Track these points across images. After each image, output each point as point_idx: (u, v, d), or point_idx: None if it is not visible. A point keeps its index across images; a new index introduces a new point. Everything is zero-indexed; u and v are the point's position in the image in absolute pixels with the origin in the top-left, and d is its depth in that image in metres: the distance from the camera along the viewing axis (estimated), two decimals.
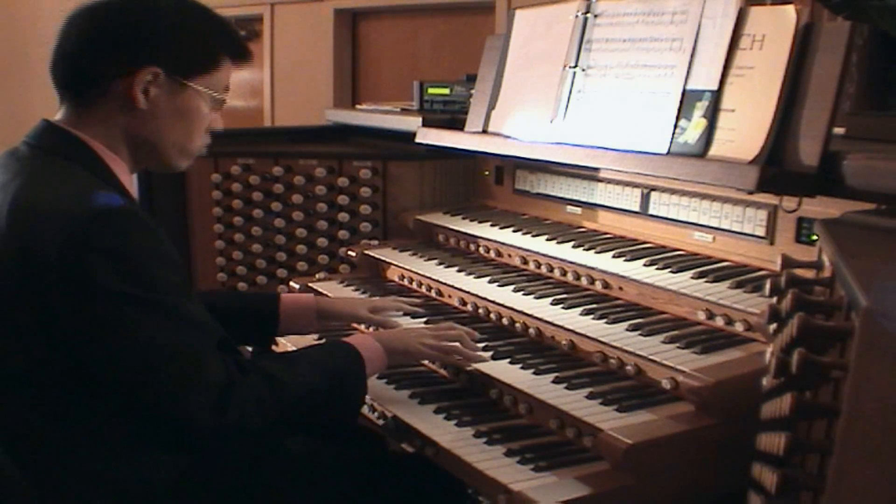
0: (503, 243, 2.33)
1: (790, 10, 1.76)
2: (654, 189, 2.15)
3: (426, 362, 2.01)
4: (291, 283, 2.61)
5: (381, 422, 1.86)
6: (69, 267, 1.46)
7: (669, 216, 2.12)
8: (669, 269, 1.93)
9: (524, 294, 2.07)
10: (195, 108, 1.68)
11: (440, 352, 1.88)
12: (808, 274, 1.29)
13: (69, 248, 1.46)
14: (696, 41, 1.92)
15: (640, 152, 1.95)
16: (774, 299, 1.26)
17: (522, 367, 1.82)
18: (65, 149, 1.62)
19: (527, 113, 2.32)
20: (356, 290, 2.43)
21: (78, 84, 1.64)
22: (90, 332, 1.50)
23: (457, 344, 1.89)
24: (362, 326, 2.18)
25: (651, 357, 1.69)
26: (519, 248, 2.27)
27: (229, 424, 1.57)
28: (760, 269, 1.87)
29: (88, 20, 1.63)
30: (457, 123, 2.59)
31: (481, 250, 2.43)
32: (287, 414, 1.68)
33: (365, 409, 1.91)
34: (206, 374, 1.54)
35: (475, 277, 2.23)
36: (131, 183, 1.70)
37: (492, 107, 2.43)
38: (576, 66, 2.20)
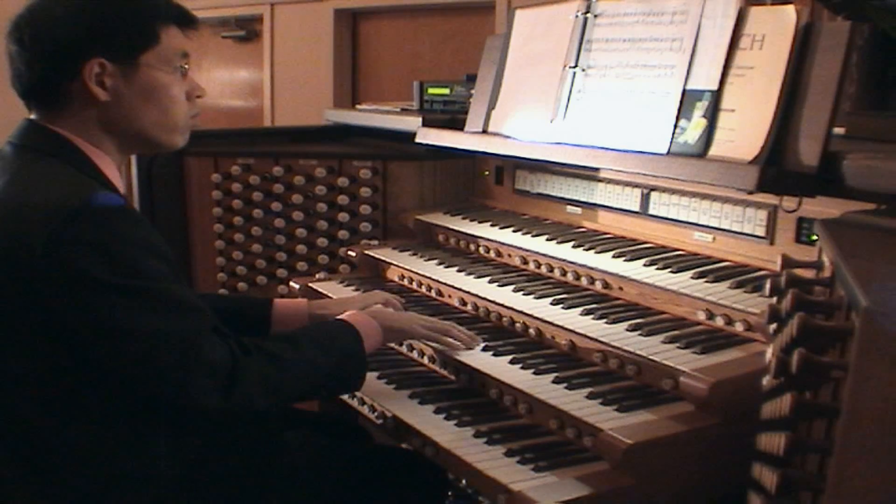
0: (503, 243, 2.33)
1: (790, 10, 1.76)
2: (654, 189, 2.15)
3: (426, 362, 2.02)
4: (291, 284, 2.61)
5: (380, 421, 1.86)
6: (56, 261, 1.47)
7: (669, 216, 2.12)
8: (669, 269, 1.93)
9: (524, 294, 2.07)
10: (158, 84, 1.67)
11: (435, 332, 1.93)
12: (808, 274, 1.29)
13: (55, 243, 1.46)
14: (696, 41, 1.92)
15: (640, 152, 1.94)
16: (774, 299, 1.26)
17: (522, 367, 1.82)
18: (48, 146, 1.62)
19: (527, 113, 2.32)
20: (356, 290, 2.42)
21: (38, 95, 1.66)
22: (84, 325, 1.50)
23: (450, 328, 1.95)
24: None
25: (651, 357, 1.69)
26: (519, 248, 2.27)
27: (236, 405, 1.59)
28: (760, 269, 1.87)
29: (20, 33, 1.63)
30: (457, 123, 2.59)
31: (481, 250, 2.43)
32: (292, 392, 1.72)
33: (365, 409, 1.92)
34: (206, 357, 1.55)
35: (475, 277, 2.23)
36: (118, 176, 1.70)
37: (492, 107, 2.43)
38: (576, 66, 2.19)
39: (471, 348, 1.93)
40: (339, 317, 1.88)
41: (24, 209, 1.51)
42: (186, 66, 1.73)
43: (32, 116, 1.68)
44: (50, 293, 1.48)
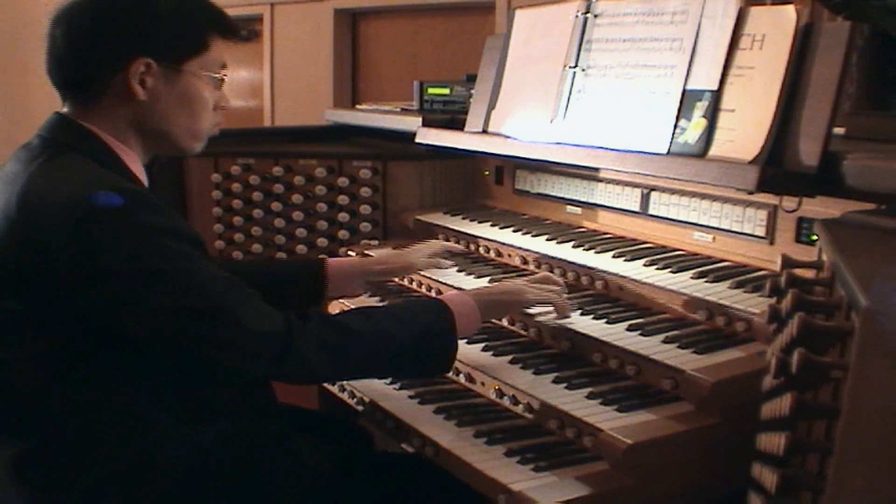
0: (503, 243, 2.33)
1: (790, 10, 1.76)
2: (654, 189, 2.15)
3: None
4: None
5: (381, 421, 1.86)
6: (79, 253, 1.47)
7: (669, 216, 2.12)
8: (669, 269, 1.93)
9: None
10: (195, 92, 1.69)
11: (542, 298, 1.89)
12: (808, 274, 1.29)
13: (77, 234, 1.47)
14: (696, 41, 1.92)
15: (640, 152, 1.94)
16: (774, 299, 1.26)
17: (522, 367, 1.82)
18: (75, 141, 1.63)
19: (527, 113, 2.32)
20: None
21: (75, 84, 1.66)
22: (116, 314, 1.52)
23: (556, 290, 1.92)
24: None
25: (651, 357, 1.69)
26: (519, 248, 2.27)
27: (292, 371, 1.60)
28: (760, 269, 1.87)
29: (72, 20, 1.64)
30: (457, 123, 2.59)
31: (481, 250, 2.43)
32: (361, 363, 1.70)
33: (364, 409, 1.91)
34: (246, 326, 1.56)
35: (475, 277, 2.23)
36: (142, 172, 1.72)
37: (492, 107, 2.43)
38: (576, 66, 2.19)
39: (567, 315, 1.90)
40: (439, 297, 1.87)
41: (47, 202, 1.52)
42: (224, 77, 1.75)
43: (64, 110, 1.68)
44: (75, 286, 1.49)
